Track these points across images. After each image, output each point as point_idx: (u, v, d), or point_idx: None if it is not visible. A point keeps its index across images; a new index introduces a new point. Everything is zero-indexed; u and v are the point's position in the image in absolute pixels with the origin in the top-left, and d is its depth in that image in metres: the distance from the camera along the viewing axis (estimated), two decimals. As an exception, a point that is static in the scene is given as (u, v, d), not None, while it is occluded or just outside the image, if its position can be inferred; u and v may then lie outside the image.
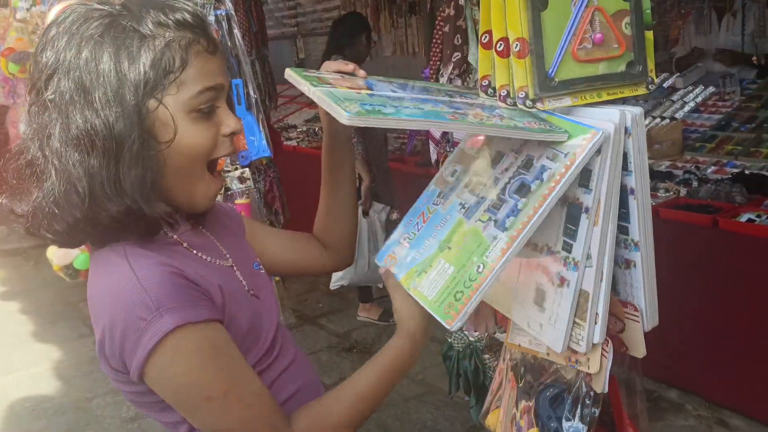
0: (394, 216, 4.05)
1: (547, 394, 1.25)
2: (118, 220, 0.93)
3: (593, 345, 1.13)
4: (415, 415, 3.31)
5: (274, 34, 7.56)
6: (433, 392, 3.47)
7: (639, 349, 1.16)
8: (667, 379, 3.21)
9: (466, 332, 2.63)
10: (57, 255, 3.07)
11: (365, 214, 3.97)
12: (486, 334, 2.58)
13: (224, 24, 2.60)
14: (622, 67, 1.09)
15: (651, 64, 1.11)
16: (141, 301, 0.89)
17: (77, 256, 3.09)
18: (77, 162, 0.90)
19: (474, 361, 2.61)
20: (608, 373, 1.15)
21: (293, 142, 5.58)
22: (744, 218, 2.91)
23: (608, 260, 1.09)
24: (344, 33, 4.18)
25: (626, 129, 1.05)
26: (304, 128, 5.93)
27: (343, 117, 0.89)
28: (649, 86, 1.11)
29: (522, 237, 1.01)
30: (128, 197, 0.92)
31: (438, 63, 2.38)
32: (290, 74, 1.10)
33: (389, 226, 4.10)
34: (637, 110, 1.05)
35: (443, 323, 1.01)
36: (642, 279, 1.13)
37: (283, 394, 1.09)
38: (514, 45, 1.06)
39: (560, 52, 1.05)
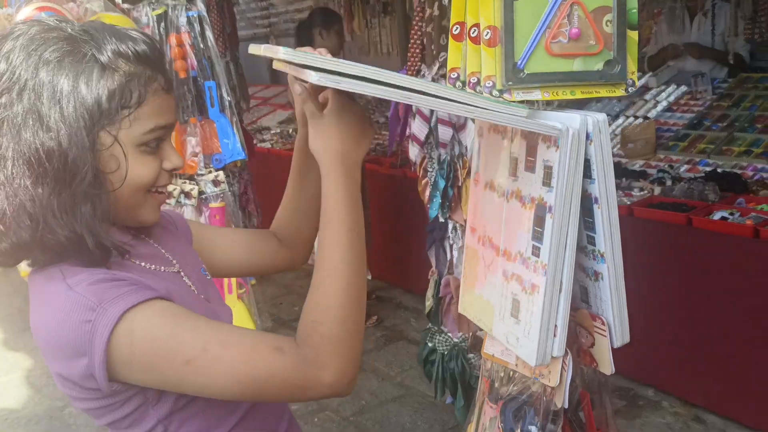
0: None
1: (511, 404, 1.23)
2: (66, 245, 0.91)
3: (553, 358, 1.09)
4: (395, 418, 3.29)
5: (246, 35, 7.51)
6: (412, 394, 3.46)
7: (607, 366, 1.13)
8: (642, 378, 3.23)
9: (449, 334, 2.62)
10: (25, 261, 3.00)
11: None
12: (470, 334, 2.59)
13: (196, 25, 2.56)
14: (599, 66, 1.05)
15: (633, 66, 1.06)
16: (81, 305, 0.87)
17: (47, 262, 3.03)
18: (29, 187, 0.89)
19: (461, 362, 2.62)
20: (568, 387, 1.12)
21: (267, 144, 5.54)
22: (717, 216, 2.94)
23: (567, 270, 1.05)
24: (305, 34, 4.12)
25: (588, 135, 1.01)
26: (278, 130, 5.89)
27: (312, 77, 0.86)
28: (629, 88, 1.07)
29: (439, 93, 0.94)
30: (78, 226, 0.91)
31: (419, 63, 2.37)
32: (256, 48, 1.06)
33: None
34: (600, 116, 1.02)
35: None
36: (609, 292, 1.09)
37: (245, 404, 1.06)
38: (485, 33, 1.03)
39: (532, 44, 1.02)
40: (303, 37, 4.11)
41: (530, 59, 1.03)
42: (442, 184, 2.31)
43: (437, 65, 2.17)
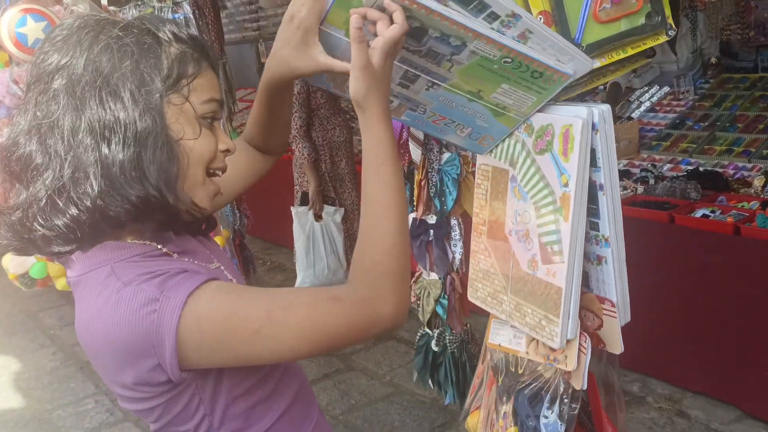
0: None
1: (525, 392, 1.25)
2: (135, 209, 0.91)
3: (568, 341, 1.14)
4: (384, 416, 3.31)
5: (235, 38, 7.51)
6: (401, 393, 3.49)
7: (616, 345, 1.17)
8: (630, 367, 3.32)
9: (454, 332, 2.62)
10: (12, 264, 3.00)
11: (317, 218, 3.92)
12: (468, 326, 2.62)
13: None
14: (641, 20, 1.10)
15: (668, 11, 1.12)
16: (142, 298, 0.88)
17: (33, 264, 3.03)
18: (91, 147, 0.89)
19: (467, 353, 2.65)
20: (587, 369, 1.16)
21: (256, 146, 5.54)
22: (699, 214, 2.99)
23: (578, 256, 1.10)
24: None
25: (594, 125, 1.06)
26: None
27: None
28: (669, 32, 1.13)
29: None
30: (152, 184, 0.91)
31: None
32: None
33: (347, 229, 4.06)
34: (605, 107, 1.07)
35: None
36: (613, 275, 1.14)
37: (289, 392, 1.09)
38: (538, 18, 1.08)
39: (583, 18, 1.07)
40: None
41: (584, 32, 1.08)
42: (452, 184, 2.33)
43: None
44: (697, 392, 3.09)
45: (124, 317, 0.88)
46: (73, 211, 0.90)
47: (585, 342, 1.15)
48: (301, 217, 3.97)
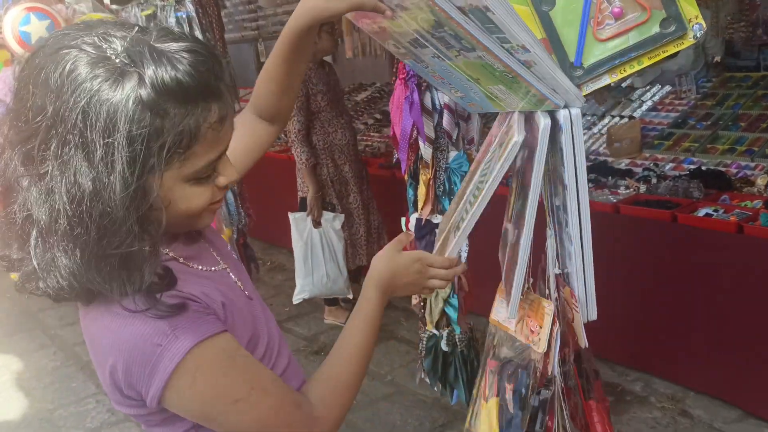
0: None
1: (508, 366, 1.32)
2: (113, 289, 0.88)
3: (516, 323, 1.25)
4: (385, 416, 3.31)
5: (234, 37, 7.50)
6: (402, 392, 3.48)
7: (581, 339, 1.22)
8: (632, 366, 3.31)
9: (462, 331, 2.63)
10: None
11: (316, 224, 3.86)
12: (471, 324, 2.64)
13: (185, 26, 2.57)
14: (655, 29, 1.04)
15: (692, 11, 1.03)
16: (156, 329, 0.88)
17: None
18: (76, 222, 0.84)
19: (474, 352, 2.66)
20: (557, 355, 1.22)
21: (256, 146, 5.52)
22: (702, 213, 2.99)
23: (523, 247, 1.16)
24: None
25: (560, 127, 1.07)
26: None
27: None
28: (697, 34, 1.03)
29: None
30: (128, 273, 0.87)
31: None
32: None
33: (347, 236, 3.99)
34: (574, 111, 1.08)
35: None
36: (576, 271, 1.17)
37: None
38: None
39: (581, 40, 1.06)
40: None
41: (585, 53, 1.07)
42: (461, 182, 2.34)
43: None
44: (700, 392, 3.09)
45: (134, 334, 0.89)
46: (70, 280, 0.88)
47: (556, 329, 1.22)
48: (299, 223, 3.90)
